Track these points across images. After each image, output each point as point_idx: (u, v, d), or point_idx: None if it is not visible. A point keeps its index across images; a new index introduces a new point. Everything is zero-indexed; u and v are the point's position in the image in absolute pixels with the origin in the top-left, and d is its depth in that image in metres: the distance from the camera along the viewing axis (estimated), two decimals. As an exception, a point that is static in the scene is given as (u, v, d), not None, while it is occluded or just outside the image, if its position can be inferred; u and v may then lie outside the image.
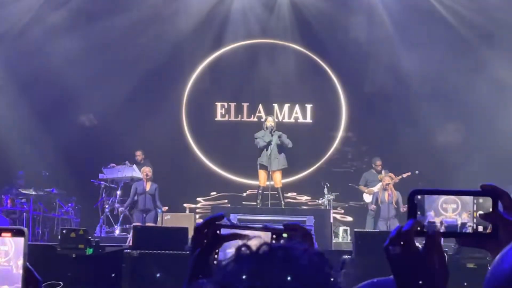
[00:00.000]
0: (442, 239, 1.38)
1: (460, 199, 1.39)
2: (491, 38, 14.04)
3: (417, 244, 1.31)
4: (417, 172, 12.91)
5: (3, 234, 1.58)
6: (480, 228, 1.38)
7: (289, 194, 13.68)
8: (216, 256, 1.44)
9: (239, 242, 1.39)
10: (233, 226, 1.47)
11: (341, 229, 12.83)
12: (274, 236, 1.45)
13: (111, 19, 14.16)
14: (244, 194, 14.37)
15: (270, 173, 12.08)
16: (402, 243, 1.29)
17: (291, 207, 12.91)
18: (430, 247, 1.30)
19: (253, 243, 1.17)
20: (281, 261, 1.12)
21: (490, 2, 13.72)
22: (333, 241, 11.63)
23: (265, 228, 1.46)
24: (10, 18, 13.68)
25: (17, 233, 1.58)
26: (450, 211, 1.39)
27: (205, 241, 1.46)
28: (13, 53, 13.73)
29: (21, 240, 1.58)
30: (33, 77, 13.69)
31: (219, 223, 1.47)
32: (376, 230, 11.70)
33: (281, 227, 1.50)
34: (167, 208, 12.44)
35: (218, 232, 1.45)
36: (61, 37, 13.83)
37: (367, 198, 12.98)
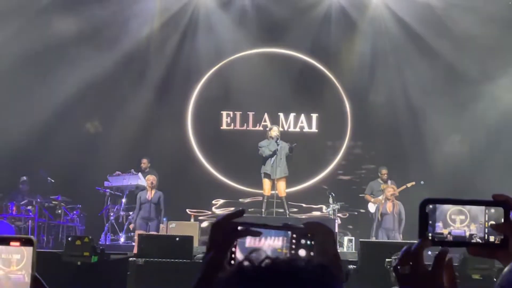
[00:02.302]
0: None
1: (469, 211, 1.39)
2: (496, 50, 13.99)
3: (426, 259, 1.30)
4: (422, 182, 12.88)
5: (12, 243, 1.59)
6: (491, 238, 1.37)
7: (294, 203, 13.67)
8: (233, 256, 1.39)
9: (252, 240, 1.36)
10: (251, 224, 1.40)
11: (346, 238, 12.80)
12: (294, 235, 1.40)
13: (118, 26, 14.23)
14: (240, 200, 14.37)
15: (275, 181, 12.10)
16: (411, 262, 1.29)
17: (295, 217, 12.90)
18: (439, 266, 1.29)
19: (255, 256, 1.16)
20: (283, 276, 1.10)
21: (494, 15, 13.72)
22: (338, 250, 11.59)
23: (285, 227, 1.41)
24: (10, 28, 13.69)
25: (26, 242, 1.59)
26: (458, 223, 1.38)
27: (222, 239, 1.39)
28: (19, 59, 13.74)
29: (30, 249, 1.59)
30: (39, 82, 13.72)
31: (236, 221, 1.40)
32: (380, 240, 11.67)
33: (301, 225, 1.43)
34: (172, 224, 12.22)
35: (233, 231, 1.39)
36: (67, 42, 13.86)
37: (372, 207, 12.96)
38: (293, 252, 1.38)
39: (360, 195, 13.63)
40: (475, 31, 13.76)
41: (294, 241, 1.38)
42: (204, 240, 11.64)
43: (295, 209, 13.88)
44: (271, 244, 1.41)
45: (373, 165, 14.24)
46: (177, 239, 9.13)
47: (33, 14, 13.68)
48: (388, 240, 11.53)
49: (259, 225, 1.40)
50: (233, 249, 1.40)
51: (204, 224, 13.53)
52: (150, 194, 12.27)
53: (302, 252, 1.38)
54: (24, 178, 12.97)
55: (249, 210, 13.80)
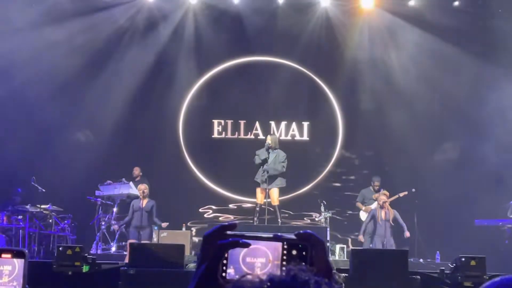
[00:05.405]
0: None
1: None
2: (490, 55, 14.03)
3: None
4: (413, 190, 12.91)
5: (3, 255, 1.58)
6: None
7: (285, 211, 13.67)
8: (224, 268, 1.35)
9: (244, 251, 1.34)
10: (241, 236, 1.36)
11: (337, 246, 12.81)
12: (285, 246, 1.36)
13: (108, 38, 14.23)
14: (230, 206, 14.39)
15: (267, 190, 12.12)
16: None
17: (287, 225, 12.89)
18: None
19: (248, 280, 1.12)
20: None
21: (487, 18, 13.82)
22: (330, 259, 11.60)
23: (276, 238, 1.37)
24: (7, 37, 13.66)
25: (17, 254, 1.59)
26: None
27: (215, 251, 1.34)
28: (10, 70, 13.70)
29: (22, 261, 1.58)
30: (30, 92, 13.68)
31: (230, 233, 1.36)
32: (372, 248, 11.69)
33: (293, 236, 1.38)
34: (167, 224, 12.37)
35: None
36: (58, 53, 13.82)
37: (363, 215, 12.97)
38: (284, 263, 1.37)
39: (352, 201, 13.64)
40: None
41: (285, 252, 1.36)
42: (195, 252, 11.63)
43: (287, 216, 13.88)
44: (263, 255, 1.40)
45: (364, 172, 14.27)
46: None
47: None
48: (381, 248, 11.55)
49: (250, 237, 1.38)
50: (224, 261, 1.37)
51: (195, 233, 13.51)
52: (143, 203, 12.23)
53: (294, 263, 1.36)
54: (19, 190, 12.93)
55: (242, 217, 13.83)
